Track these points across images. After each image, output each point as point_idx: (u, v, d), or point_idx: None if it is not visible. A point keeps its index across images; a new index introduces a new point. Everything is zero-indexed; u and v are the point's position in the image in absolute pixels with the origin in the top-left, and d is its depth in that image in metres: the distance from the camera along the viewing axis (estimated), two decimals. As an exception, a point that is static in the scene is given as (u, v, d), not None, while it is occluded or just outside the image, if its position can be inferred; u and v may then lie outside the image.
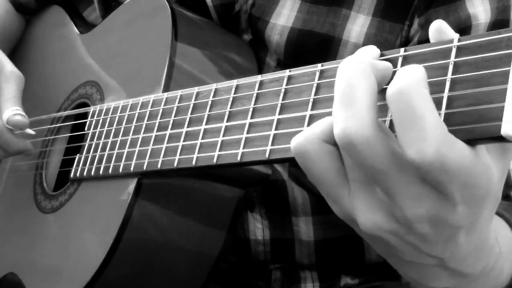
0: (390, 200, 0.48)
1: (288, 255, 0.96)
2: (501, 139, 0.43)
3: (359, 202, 0.50)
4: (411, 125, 0.44)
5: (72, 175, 0.90)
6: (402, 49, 0.51)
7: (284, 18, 0.88)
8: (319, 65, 0.58)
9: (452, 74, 0.47)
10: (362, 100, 0.46)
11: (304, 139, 0.50)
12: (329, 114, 0.55)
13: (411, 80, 0.44)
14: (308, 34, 0.87)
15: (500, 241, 0.64)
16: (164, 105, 0.76)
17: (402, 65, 0.50)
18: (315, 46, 0.87)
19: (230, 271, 0.96)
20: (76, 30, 1.08)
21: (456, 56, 0.47)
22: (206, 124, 0.68)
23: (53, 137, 1.01)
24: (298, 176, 0.95)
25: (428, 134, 0.43)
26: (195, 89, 0.72)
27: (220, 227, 0.86)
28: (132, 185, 0.79)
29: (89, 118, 0.91)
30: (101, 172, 0.84)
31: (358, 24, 0.86)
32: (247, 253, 0.95)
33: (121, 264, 0.81)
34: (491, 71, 0.45)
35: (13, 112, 0.92)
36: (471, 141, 0.45)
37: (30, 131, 0.95)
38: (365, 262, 0.97)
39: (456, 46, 0.47)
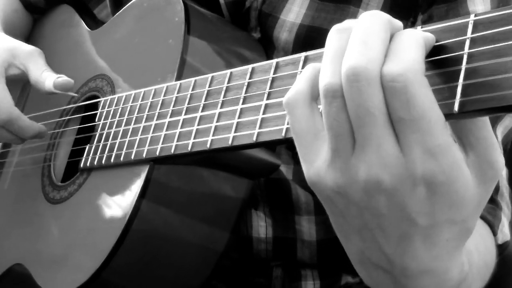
0: (361, 152, 0.50)
1: (290, 254, 0.97)
2: (519, 106, 0.45)
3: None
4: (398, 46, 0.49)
5: (82, 164, 0.91)
6: (419, 27, 0.53)
7: (293, 14, 0.90)
8: None
9: (469, 49, 0.49)
10: (379, 43, 0.49)
11: (295, 92, 0.53)
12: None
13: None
14: (316, 31, 0.89)
15: (475, 255, 0.64)
16: (178, 92, 0.77)
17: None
18: (323, 43, 0.89)
19: (231, 267, 0.97)
20: (86, 27, 1.09)
21: (472, 32, 0.49)
22: (221, 108, 0.70)
23: (62, 129, 1.02)
24: (303, 175, 0.96)
25: (405, 57, 0.48)
26: (210, 75, 0.73)
27: (227, 220, 0.87)
28: (143, 172, 0.80)
29: (99, 109, 0.92)
30: (112, 160, 0.85)
31: None
32: (249, 251, 0.96)
33: (130, 252, 0.81)
34: (506, 43, 0.47)
35: (57, 75, 0.96)
36: (490, 111, 0.47)
37: (72, 93, 0.99)
38: None
39: (472, 22, 0.49)
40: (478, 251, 0.69)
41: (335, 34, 0.52)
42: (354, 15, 0.88)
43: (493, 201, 0.86)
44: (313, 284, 0.98)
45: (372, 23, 0.50)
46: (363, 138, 0.49)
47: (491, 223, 0.83)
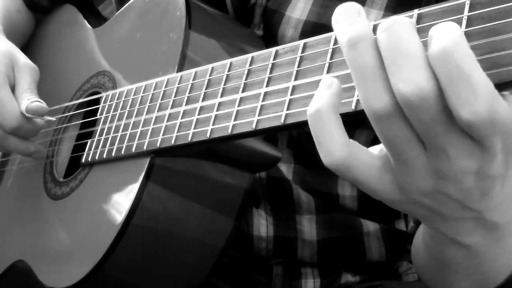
0: (442, 158, 0.50)
1: (290, 253, 0.97)
2: (515, 83, 0.45)
3: (412, 180, 0.52)
4: (461, 85, 0.45)
5: (83, 159, 0.91)
6: (416, 10, 0.53)
7: (299, 11, 0.90)
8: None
9: (466, 28, 0.49)
10: (420, 55, 0.47)
11: (347, 154, 0.52)
12: (346, 75, 0.57)
13: (453, 39, 0.45)
14: (322, 28, 0.89)
15: None
16: (178, 84, 0.78)
17: (417, 24, 0.52)
18: None
19: (231, 265, 0.97)
20: (88, 25, 1.10)
21: (469, 11, 0.49)
22: (221, 97, 0.70)
23: (64, 125, 1.02)
24: (303, 174, 0.96)
25: (479, 93, 0.45)
26: (210, 66, 0.73)
27: (228, 215, 0.87)
28: (144, 164, 0.80)
29: (101, 104, 0.92)
30: (113, 153, 0.85)
31: (371, 19, 0.88)
32: (249, 249, 0.96)
33: (130, 246, 0.81)
34: (503, 21, 0.47)
35: (31, 99, 0.94)
36: None
37: (50, 117, 0.96)
38: (366, 261, 0.98)
39: (469, 3, 0.49)
40: None
41: (352, 51, 0.50)
42: None
43: None
44: (313, 282, 0.98)
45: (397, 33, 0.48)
46: (437, 144, 0.50)
47: None
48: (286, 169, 0.96)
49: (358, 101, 0.55)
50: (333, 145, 0.52)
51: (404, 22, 0.48)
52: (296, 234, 0.96)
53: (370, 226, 0.97)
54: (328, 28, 0.89)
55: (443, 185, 0.52)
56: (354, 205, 0.97)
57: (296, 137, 0.94)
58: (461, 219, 0.56)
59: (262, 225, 0.95)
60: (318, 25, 0.89)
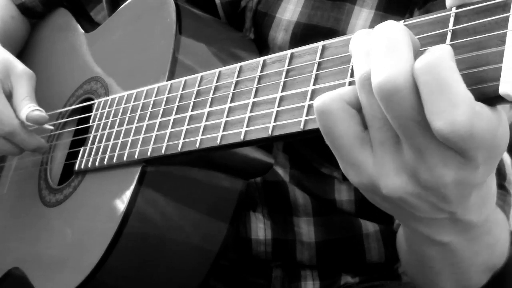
0: (418, 160, 0.49)
1: (289, 255, 0.96)
2: (499, 98, 0.45)
3: (385, 166, 0.51)
4: (439, 96, 0.45)
5: (76, 167, 0.91)
6: (402, 21, 0.52)
7: (289, 13, 0.90)
8: (321, 42, 0.59)
9: (451, 41, 0.48)
10: (406, 52, 0.47)
11: (329, 98, 0.52)
12: (332, 87, 0.56)
13: (438, 54, 0.45)
14: (313, 29, 0.88)
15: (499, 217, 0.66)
16: (168, 93, 0.77)
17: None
18: (320, 41, 0.88)
19: (230, 268, 0.97)
20: (82, 30, 1.09)
21: (454, 24, 0.49)
22: (210, 107, 0.69)
23: (58, 132, 1.02)
24: (300, 179, 0.96)
25: (458, 104, 0.44)
26: (199, 75, 0.73)
27: (222, 219, 0.87)
28: (136, 173, 0.80)
29: (93, 111, 0.92)
30: (105, 162, 0.85)
31: (361, 19, 0.87)
32: (248, 253, 0.96)
33: (125, 252, 0.81)
34: (488, 34, 0.46)
35: (31, 108, 0.95)
36: None
37: (49, 126, 0.97)
38: (365, 262, 0.98)
39: (454, 15, 0.49)
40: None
41: (361, 37, 0.52)
42: (350, 13, 0.88)
43: (503, 187, 0.86)
44: (312, 284, 0.97)
45: (394, 30, 0.49)
46: (412, 145, 0.49)
47: (502, 208, 0.83)
48: (282, 172, 0.95)
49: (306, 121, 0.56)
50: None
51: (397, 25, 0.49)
52: (294, 236, 0.95)
53: (369, 227, 0.97)
54: (318, 29, 0.90)
55: (417, 188, 0.51)
56: (352, 208, 0.97)
57: (292, 142, 0.94)
58: (434, 219, 0.56)
59: (260, 228, 0.95)
60: (309, 26, 0.88)
